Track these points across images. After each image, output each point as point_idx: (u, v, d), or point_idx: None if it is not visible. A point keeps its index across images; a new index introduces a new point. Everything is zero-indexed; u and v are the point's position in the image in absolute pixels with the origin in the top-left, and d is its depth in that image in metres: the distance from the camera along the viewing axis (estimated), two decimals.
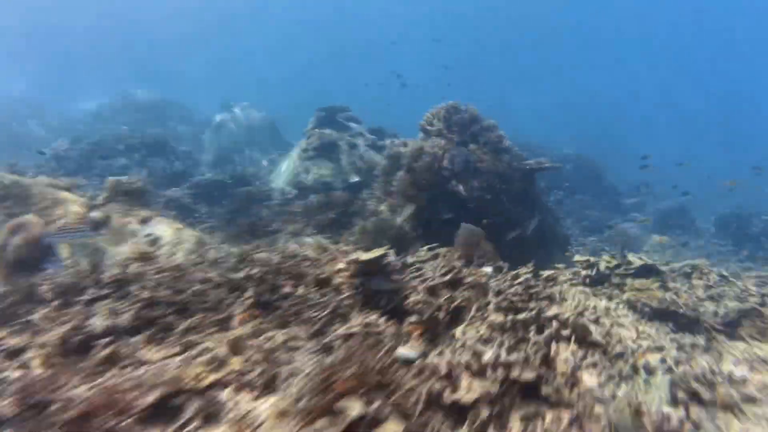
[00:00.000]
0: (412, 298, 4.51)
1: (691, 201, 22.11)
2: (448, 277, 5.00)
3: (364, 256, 4.93)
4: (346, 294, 4.51)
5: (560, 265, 7.39)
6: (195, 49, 72.53)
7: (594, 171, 20.84)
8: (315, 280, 4.61)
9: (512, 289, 4.91)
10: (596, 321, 5.20)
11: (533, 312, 4.05)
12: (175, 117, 27.09)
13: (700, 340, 5.30)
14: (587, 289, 6.53)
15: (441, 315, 4.27)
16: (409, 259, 5.74)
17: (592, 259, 7.16)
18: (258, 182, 14.23)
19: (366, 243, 8.52)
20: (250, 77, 67.72)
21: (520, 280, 5.47)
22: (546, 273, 6.69)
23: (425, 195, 8.46)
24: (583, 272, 6.83)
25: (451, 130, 8.97)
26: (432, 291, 4.76)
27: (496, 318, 4.26)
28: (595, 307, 5.64)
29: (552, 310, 4.54)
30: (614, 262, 6.94)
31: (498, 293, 4.84)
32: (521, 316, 4.06)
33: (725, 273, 7.13)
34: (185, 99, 31.43)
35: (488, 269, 6.03)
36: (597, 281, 6.77)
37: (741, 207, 15.51)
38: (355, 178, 12.16)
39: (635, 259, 7.07)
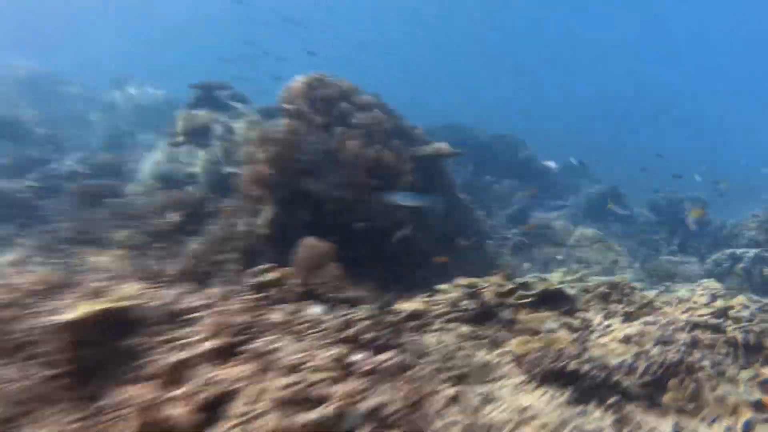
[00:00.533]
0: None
1: (624, 185, 21.18)
2: (215, 342, 3.17)
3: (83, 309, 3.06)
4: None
5: (444, 286, 5.66)
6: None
7: (522, 152, 19.38)
8: None
9: (321, 357, 3.13)
10: (454, 401, 3.48)
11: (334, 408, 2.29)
12: (68, 96, 23.90)
13: (607, 420, 3.61)
14: (467, 328, 4.75)
15: None
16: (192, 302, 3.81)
17: (477, 281, 5.40)
18: (123, 175, 11.91)
19: (205, 257, 6.55)
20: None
21: (349, 332, 3.74)
22: (410, 305, 4.89)
23: (277, 195, 6.50)
24: (463, 303, 5.05)
25: (316, 110, 7.01)
26: (171, 373, 2.90)
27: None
28: (460, 373, 3.88)
29: (376, 398, 2.83)
30: (506, 287, 5.20)
31: (292, 369, 3.03)
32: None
33: (651, 295, 5.53)
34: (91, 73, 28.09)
35: (316, 309, 4.22)
36: (483, 315, 5.01)
37: (674, 191, 14.31)
38: (230, 170, 10.05)
39: (535, 281, 5.36)
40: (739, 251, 9.58)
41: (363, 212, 6.64)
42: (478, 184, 17.54)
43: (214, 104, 11.62)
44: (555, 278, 7.16)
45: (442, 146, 8.40)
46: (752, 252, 9.45)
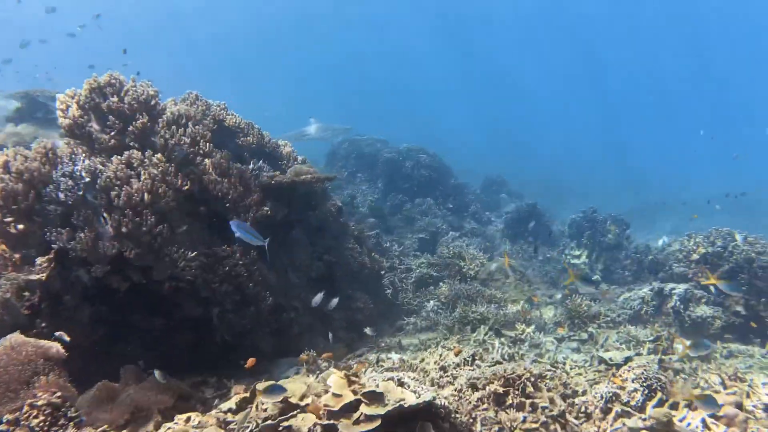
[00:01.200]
0: None
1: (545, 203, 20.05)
2: None
3: None
4: None
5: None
6: None
7: (443, 169, 17.78)
8: None
9: None
10: None
11: None
12: None
13: None
14: None
15: None
16: None
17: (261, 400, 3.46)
18: None
19: None
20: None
21: None
22: None
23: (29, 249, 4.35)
24: None
25: (103, 126, 4.90)
26: None
27: None
28: None
29: None
30: (336, 401, 3.27)
31: None
32: None
33: (559, 403, 3.79)
34: None
35: None
36: None
37: (596, 210, 13.01)
38: None
39: (389, 388, 3.48)
40: (667, 288, 8.18)
41: (162, 271, 4.58)
42: (389, 203, 15.80)
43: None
44: (436, 360, 5.37)
45: (303, 170, 6.47)
46: (681, 288, 8.06)
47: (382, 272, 10.30)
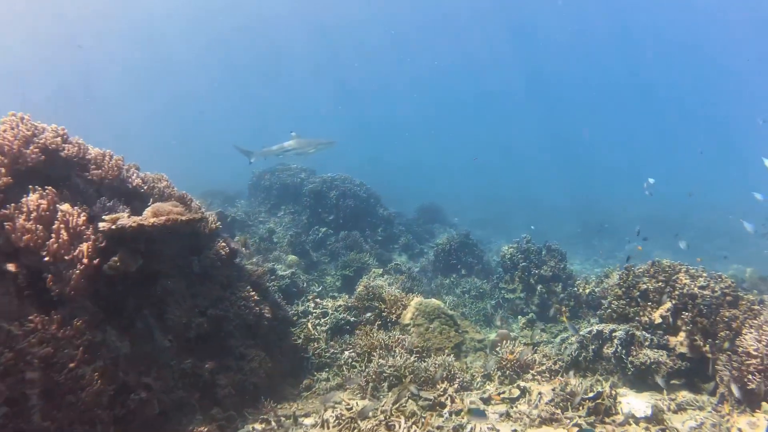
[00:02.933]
0: None
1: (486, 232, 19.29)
2: None
3: None
4: None
5: None
6: None
7: (372, 198, 16.66)
8: None
9: None
10: None
11: None
12: None
13: None
14: None
15: None
16: None
17: None
18: None
19: None
20: None
21: None
22: None
23: None
24: None
25: None
26: None
27: None
28: None
29: None
30: None
31: None
32: None
33: None
34: None
35: None
36: None
37: (530, 240, 12.17)
38: None
39: None
40: (606, 330, 7.24)
41: None
42: (311, 237, 14.52)
43: None
44: None
45: (164, 210, 5.16)
46: (621, 330, 7.14)
47: (290, 320, 9.03)
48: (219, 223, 7.67)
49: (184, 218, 5.11)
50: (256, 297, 7.59)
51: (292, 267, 12.56)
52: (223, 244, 7.45)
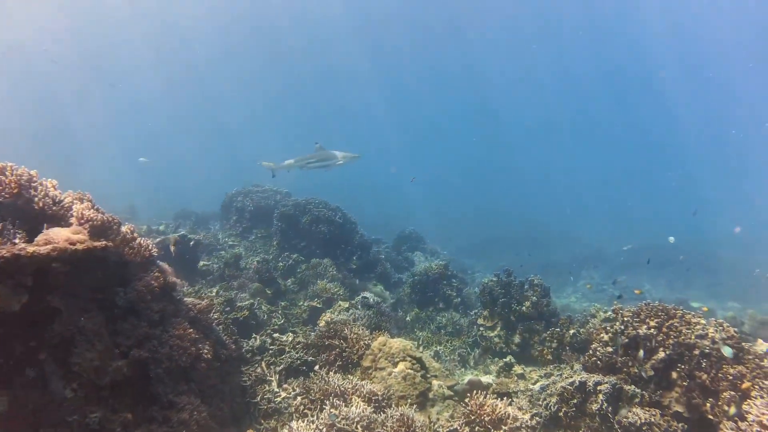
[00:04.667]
0: None
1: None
2: None
3: None
4: None
5: None
6: None
7: (348, 224, 15.73)
8: None
9: None
10: None
11: None
12: None
13: None
14: None
15: None
16: None
17: None
18: None
19: None
20: None
21: None
22: None
23: None
24: None
25: None
26: None
27: None
28: None
29: None
30: None
31: None
32: None
33: None
34: None
35: None
36: None
37: (511, 273, 11.32)
38: None
39: None
40: (591, 381, 6.34)
41: None
42: (281, 263, 13.59)
43: None
44: None
45: (59, 236, 4.28)
46: (607, 384, 6.25)
47: (243, 358, 8.12)
48: (155, 249, 6.75)
49: (78, 247, 4.22)
50: (194, 334, 6.65)
51: (256, 296, 11.64)
52: (157, 274, 6.53)
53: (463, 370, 9.86)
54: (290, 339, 9.14)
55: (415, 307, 12.75)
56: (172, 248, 9.30)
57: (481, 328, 10.86)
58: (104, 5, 47.32)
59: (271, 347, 8.84)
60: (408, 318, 12.19)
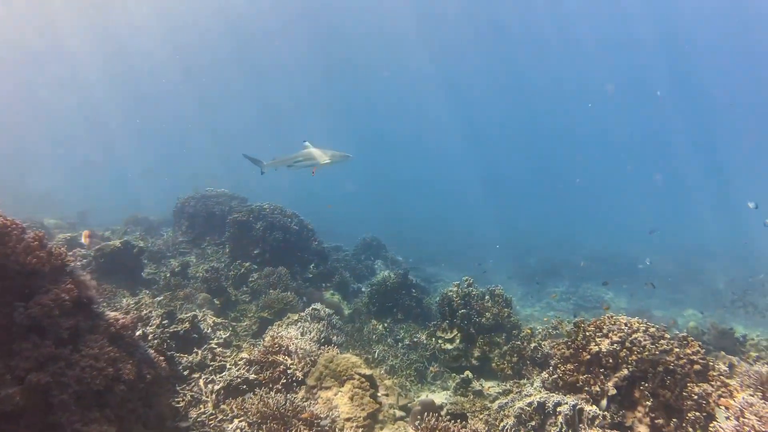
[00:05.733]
0: None
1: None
2: None
3: None
4: None
5: None
6: None
7: (304, 231, 15.04)
8: None
9: None
10: None
11: None
12: None
13: None
14: None
15: None
16: None
17: None
18: None
19: None
20: None
21: None
22: None
23: None
24: None
25: None
26: None
27: None
28: None
29: None
30: None
31: None
32: None
33: None
34: None
35: None
36: None
37: (472, 283, 10.84)
38: None
39: None
40: (550, 402, 5.84)
41: None
42: (233, 272, 12.83)
43: None
44: None
45: None
46: (567, 404, 5.75)
47: (179, 376, 7.40)
48: (69, 258, 6.01)
49: None
50: (114, 353, 5.91)
51: (203, 307, 10.89)
52: (70, 286, 5.78)
53: (419, 386, 9.29)
54: (234, 355, 8.44)
55: (373, 319, 12.14)
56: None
57: (440, 341, 10.31)
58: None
59: (212, 363, 8.13)
60: (365, 330, 11.57)
